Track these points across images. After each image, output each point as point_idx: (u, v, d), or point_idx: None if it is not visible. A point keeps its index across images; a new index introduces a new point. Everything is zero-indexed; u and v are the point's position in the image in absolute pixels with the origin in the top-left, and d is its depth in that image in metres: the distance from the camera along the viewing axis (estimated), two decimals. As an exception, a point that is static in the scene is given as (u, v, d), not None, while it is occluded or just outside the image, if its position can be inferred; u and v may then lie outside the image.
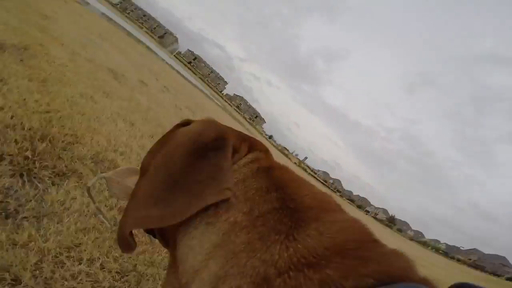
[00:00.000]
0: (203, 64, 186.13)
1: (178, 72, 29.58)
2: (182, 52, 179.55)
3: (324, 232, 0.22)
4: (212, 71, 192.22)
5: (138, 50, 14.36)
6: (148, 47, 25.70)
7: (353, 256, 0.20)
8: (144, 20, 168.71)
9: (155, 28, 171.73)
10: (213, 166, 0.28)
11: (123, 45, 10.39)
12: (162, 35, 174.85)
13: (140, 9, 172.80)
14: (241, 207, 0.25)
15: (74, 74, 2.82)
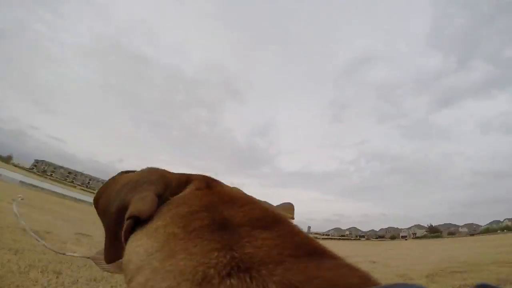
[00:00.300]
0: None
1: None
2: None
3: (256, 245, 0.24)
4: None
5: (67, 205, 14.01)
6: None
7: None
8: (74, 177, 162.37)
9: (88, 182, 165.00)
10: (138, 195, 0.35)
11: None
12: (88, 182, 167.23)
13: (61, 166, 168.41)
14: (177, 223, 0.29)
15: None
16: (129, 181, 0.39)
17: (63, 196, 22.07)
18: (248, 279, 0.20)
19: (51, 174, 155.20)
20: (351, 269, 0.22)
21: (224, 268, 0.21)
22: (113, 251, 0.37)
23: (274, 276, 0.20)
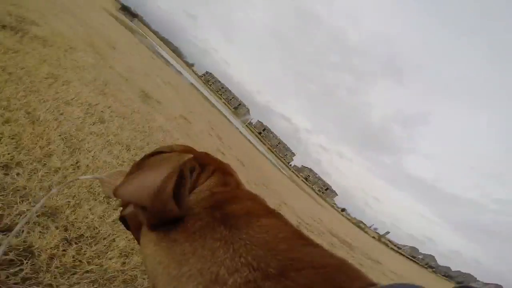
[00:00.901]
0: (272, 135, 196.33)
1: (250, 141, 29.92)
2: (253, 123, 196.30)
3: (253, 236, 0.27)
4: (280, 142, 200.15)
5: (220, 120, 15.90)
6: (227, 118, 27.77)
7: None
8: (222, 92, 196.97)
9: (231, 99, 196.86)
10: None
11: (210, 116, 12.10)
12: (237, 106, 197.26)
13: (219, 81, 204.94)
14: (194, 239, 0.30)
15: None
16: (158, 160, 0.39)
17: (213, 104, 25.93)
18: (252, 270, 0.24)
19: (211, 85, 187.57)
20: (334, 256, 0.26)
21: (230, 263, 0.25)
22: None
23: (270, 267, 0.24)
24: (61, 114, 1.84)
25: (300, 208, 9.73)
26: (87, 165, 1.55)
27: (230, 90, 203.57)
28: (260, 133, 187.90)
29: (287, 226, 0.31)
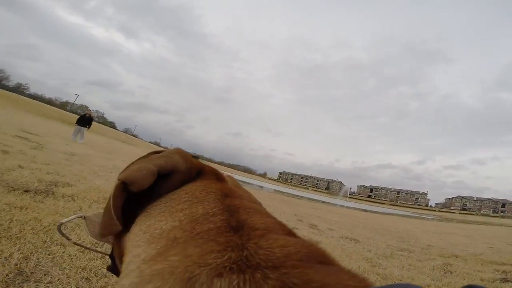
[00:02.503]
0: (384, 190, 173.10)
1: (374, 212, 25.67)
2: (355, 191, 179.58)
3: (259, 249, 0.23)
4: (400, 191, 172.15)
5: (328, 209, 14.49)
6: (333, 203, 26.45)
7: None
8: (305, 182, 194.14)
9: (317, 183, 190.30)
10: (138, 165, 0.35)
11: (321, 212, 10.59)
12: (327, 186, 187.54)
13: (296, 174, 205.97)
14: (185, 225, 0.27)
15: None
16: (145, 156, 0.38)
17: (301, 197, 24.83)
18: (239, 281, 0.19)
19: (291, 181, 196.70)
20: (351, 275, 0.21)
21: (216, 268, 0.20)
22: (108, 223, 0.32)
23: (269, 279, 0.19)
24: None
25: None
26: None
27: (311, 176, 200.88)
28: (369, 196, 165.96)
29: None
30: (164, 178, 0.35)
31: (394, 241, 5.63)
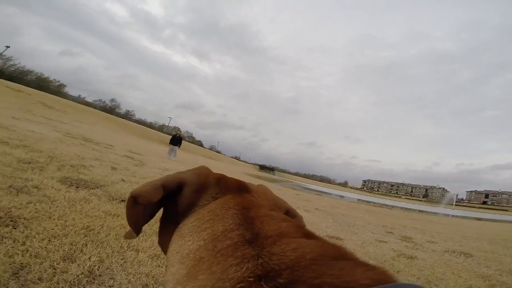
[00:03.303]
0: (503, 195, 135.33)
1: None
2: (464, 198, 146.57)
3: (275, 255, 0.24)
4: None
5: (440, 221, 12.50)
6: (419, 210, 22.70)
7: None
8: (398, 190, 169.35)
9: (411, 191, 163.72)
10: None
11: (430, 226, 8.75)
12: (425, 193, 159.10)
13: (384, 182, 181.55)
14: (208, 244, 0.29)
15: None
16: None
17: (391, 206, 22.16)
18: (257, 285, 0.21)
19: (378, 189, 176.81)
20: (369, 268, 0.21)
21: (237, 280, 0.22)
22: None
23: (281, 278, 0.20)
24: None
25: None
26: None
27: (403, 183, 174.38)
28: (484, 202, 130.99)
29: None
30: (178, 193, 0.39)
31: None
